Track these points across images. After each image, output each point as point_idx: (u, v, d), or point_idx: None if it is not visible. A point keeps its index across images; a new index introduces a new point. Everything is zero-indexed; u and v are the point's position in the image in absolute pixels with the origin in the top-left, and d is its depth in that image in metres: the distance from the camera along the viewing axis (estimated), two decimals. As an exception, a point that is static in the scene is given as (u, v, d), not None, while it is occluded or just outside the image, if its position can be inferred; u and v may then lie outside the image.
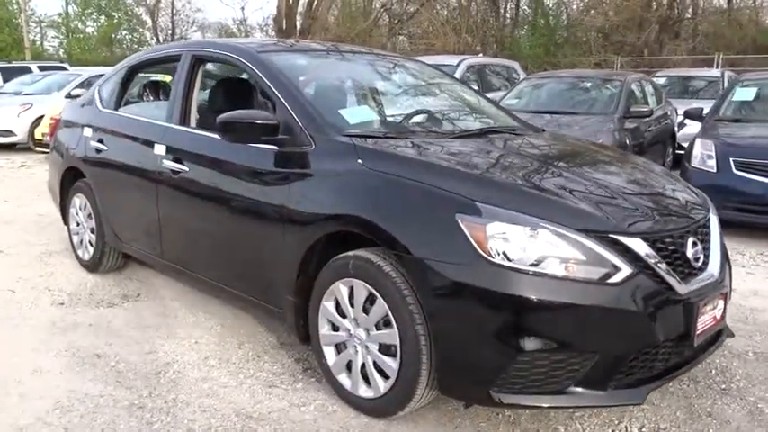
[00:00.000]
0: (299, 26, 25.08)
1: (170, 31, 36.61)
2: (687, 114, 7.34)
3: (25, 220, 5.98)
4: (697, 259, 2.44)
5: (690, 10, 22.01)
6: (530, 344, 2.11)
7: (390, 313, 2.34)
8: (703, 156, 5.97)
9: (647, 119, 7.59)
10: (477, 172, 2.43)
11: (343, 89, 3.33)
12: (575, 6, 26.45)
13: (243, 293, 3.11)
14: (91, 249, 4.34)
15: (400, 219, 2.31)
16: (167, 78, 5.27)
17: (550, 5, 26.33)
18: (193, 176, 3.23)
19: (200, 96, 3.62)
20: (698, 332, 2.37)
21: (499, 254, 2.12)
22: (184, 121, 3.48)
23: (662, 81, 12.19)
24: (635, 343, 2.22)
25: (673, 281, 2.27)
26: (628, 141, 6.97)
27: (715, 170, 5.75)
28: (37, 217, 6.08)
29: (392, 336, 2.35)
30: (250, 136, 2.81)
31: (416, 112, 3.24)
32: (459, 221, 2.18)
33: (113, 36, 36.10)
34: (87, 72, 12.63)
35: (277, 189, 2.77)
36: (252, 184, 2.90)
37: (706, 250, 2.53)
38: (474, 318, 2.16)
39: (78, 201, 4.41)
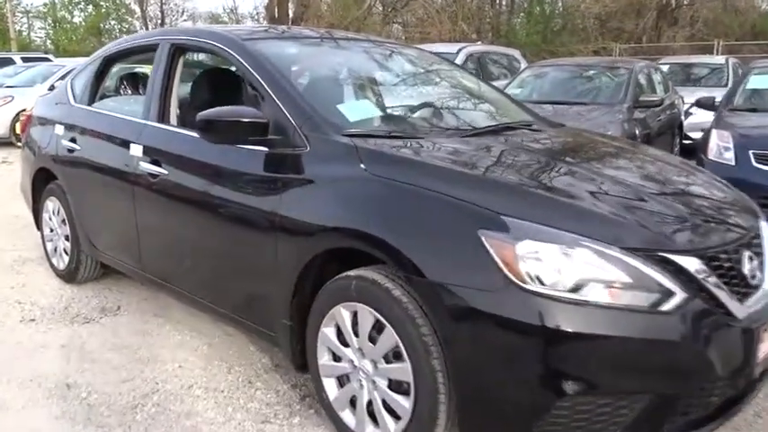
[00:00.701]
0: (291, 14, 24.59)
1: (159, 21, 35.97)
2: (699, 103, 7.00)
3: None
4: (753, 276, 2.11)
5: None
6: (569, 386, 1.77)
7: (401, 345, 1.99)
8: (720, 148, 5.64)
9: (656, 108, 7.26)
10: (500, 178, 2.08)
11: (340, 81, 2.96)
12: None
13: (230, 313, 2.77)
14: (66, 258, 3.97)
15: (411, 235, 1.96)
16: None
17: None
18: (173, 181, 2.88)
19: (181, 90, 3.26)
20: (758, 360, 2.04)
21: (532, 278, 1.77)
22: (163, 117, 3.11)
23: (664, 69, 11.85)
24: (692, 380, 1.88)
25: (732, 304, 1.93)
26: (637, 132, 6.64)
27: (733, 163, 5.42)
28: (12, 218, 5.69)
29: (404, 371, 2.00)
30: (235, 136, 2.45)
31: (423, 107, 2.87)
32: (483, 239, 1.83)
33: (102, 26, 35.44)
34: (72, 63, 12.19)
35: (267, 196, 2.42)
36: (239, 191, 2.55)
37: (761, 264, 2.20)
38: (502, 354, 1.82)
39: (51, 205, 4.04)
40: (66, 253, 3.96)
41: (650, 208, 2.04)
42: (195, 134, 2.76)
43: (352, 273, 2.14)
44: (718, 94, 9.78)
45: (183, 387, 2.74)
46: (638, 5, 21.05)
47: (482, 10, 26.03)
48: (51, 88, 10.20)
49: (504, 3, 26.53)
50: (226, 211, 2.61)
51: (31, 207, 4.33)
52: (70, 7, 35.22)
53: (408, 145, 2.33)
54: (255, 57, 2.67)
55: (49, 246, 4.17)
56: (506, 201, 1.92)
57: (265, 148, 2.46)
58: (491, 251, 1.81)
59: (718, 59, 12.09)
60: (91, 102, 3.74)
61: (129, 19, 36.52)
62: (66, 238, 3.93)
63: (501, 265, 1.79)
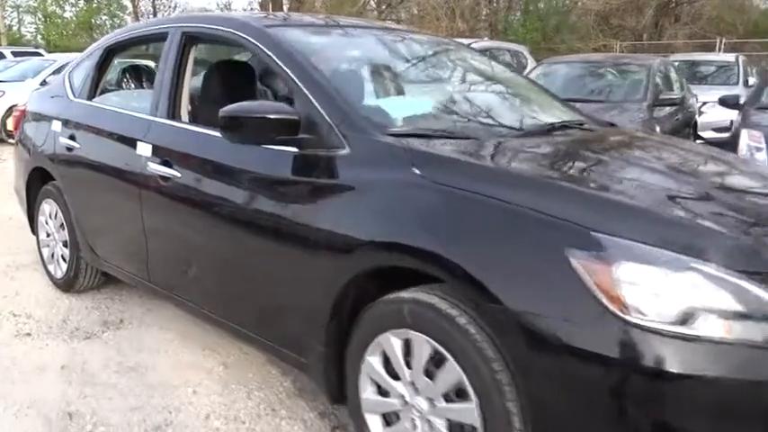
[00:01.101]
0: (285, 9, 24.25)
1: (151, 16, 35.46)
2: (722, 102, 6.74)
3: (-9, 225, 5.28)
4: None
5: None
6: (680, 438, 1.49)
7: (466, 381, 1.70)
8: (751, 148, 5.39)
9: (676, 107, 7.00)
10: (583, 186, 1.79)
11: (377, 74, 2.66)
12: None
13: (253, 334, 2.47)
14: (64, 265, 3.66)
15: (482, 253, 1.67)
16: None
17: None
18: (187, 184, 2.57)
19: (192, 83, 2.95)
20: None
21: (632, 307, 1.49)
22: (173, 114, 2.80)
23: (672, 66, 11.60)
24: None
25: None
26: (657, 131, 6.38)
27: (767, 164, 5.19)
28: (5, 220, 5.37)
29: (468, 412, 1.71)
30: (262, 135, 2.15)
31: (468, 104, 2.56)
32: (572, 260, 1.54)
33: (93, 21, 34.90)
34: (64, 58, 11.83)
35: (298, 204, 2.13)
36: (264, 197, 2.26)
37: None
38: (593, 397, 1.53)
39: (48, 207, 3.72)
40: (64, 260, 3.64)
41: (758, 220, 1.76)
42: (212, 132, 2.48)
43: (405, 295, 1.85)
44: (733, 93, 9.58)
45: (200, 417, 2.44)
46: (639, 3, 20.82)
47: (479, 6, 25.74)
48: (43, 83, 9.88)
49: (501, -1, 26.25)
50: (248, 219, 2.31)
51: (26, 209, 4.01)
52: (61, 2, 34.66)
53: (467, 147, 2.03)
54: (282, 46, 2.37)
55: (45, 251, 3.85)
56: (596, 214, 1.62)
57: (295, 149, 2.17)
58: (582, 274, 1.52)
59: (728, 57, 11.85)
60: (91, 96, 3.42)
61: (121, 14, 36.01)
62: (65, 244, 3.61)
63: (595, 290, 1.50)
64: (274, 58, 2.34)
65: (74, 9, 34.82)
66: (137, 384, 2.69)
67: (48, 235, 3.79)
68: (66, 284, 3.68)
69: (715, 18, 20.14)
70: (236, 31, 2.55)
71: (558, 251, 1.56)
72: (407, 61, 2.78)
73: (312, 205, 2.09)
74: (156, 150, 2.73)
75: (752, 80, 11.51)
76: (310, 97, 2.17)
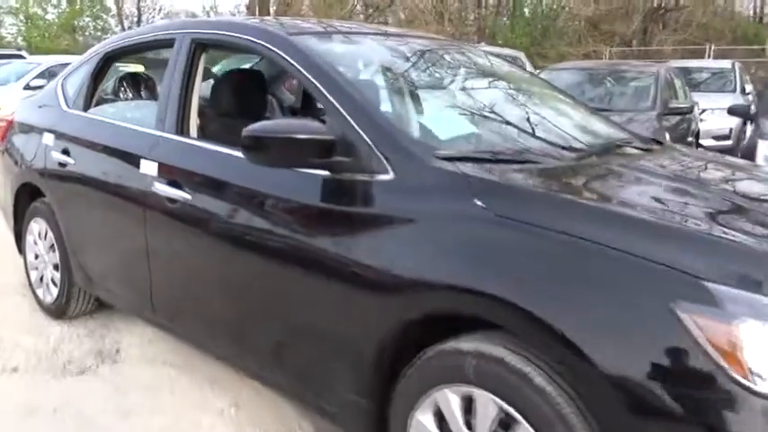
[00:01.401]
0: (272, 14, 23.98)
1: (136, 18, 34.96)
2: (732, 111, 6.60)
3: (-27, 241, 4.94)
4: None
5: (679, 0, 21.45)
6: None
7: (545, 451, 1.46)
8: (768, 158, 5.26)
9: (684, 116, 6.84)
10: (679, 223, 1.55)
11: (414, 88, 2.40)
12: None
13: (271, 376, 2.22)
14: (54, 290, 3.37)
15: (567, 302, 1.43)
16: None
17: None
18: (199, 207, 2.31)
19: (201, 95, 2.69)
20: None
21: (758, 374, 1.26)
22: (182, 129, 2.54)
23: (667, 73, 11.47)
24: None
25: None
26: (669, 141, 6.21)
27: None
28: (-12, 236, 5.04)
29: (547, 487, 1.47)
30: (291, 158, 1.90)
31: (514, 121, 2.31)
32: (681, 314, 1.31)
33: (76, 23, 34.32)
34: (48, 61, 11.46)
35: (331, 235, 1.88)
36: (289, 225, 2.01)
37: None
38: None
39: (37, 227, 3.43)
40: (55, 284, 3.35)
41: None
42: (229, 151, 2.23)
43: (466, 346, 1.60)
44: (729, 100, 9.46)
45: (215, 470, 2.18)
46: (627, 9, 20.81)
47: (467, 10, 25.65)
48: (27, 87, 9.53)
49: (490, 3, 26.19)
50: (269, 248, 2.07)
51: (13, 228, 3.72)
52: (43, 4, 34.06)
53: (533, 173, 1.79)
54: (310, 56, 2.12)
55: (34, 275, 3.55)
56: (708, 258, 1.39)
57: (326, 173, 1.92)
58: (695, 333, 1.28)
59: (725, 64, 11.75)
60: (87, 107, 3.14)
61: (105, 17, 35.46)
62: (56, 267, 3.33)
63: (713, 354, 1.27)
64: (301, 69, 2.09)
65: (56, 11, 34.24)
66: (140, 431, 2.42)
67: (36, 257, 3.49)
68: (57, 311, 3.39)
69: (704, 25, 20.16)
70: (257, 39, 2.29)
71: (661, 303, 1.32)
72: (442, 73, 2.53)
73: (348, 237, 1.84)
74: (164, 169, 2.47)
75: (748, 87, 11.44)
76: (345, 114, 1.92)
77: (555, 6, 25.33)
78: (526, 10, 24.55)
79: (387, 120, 1.91)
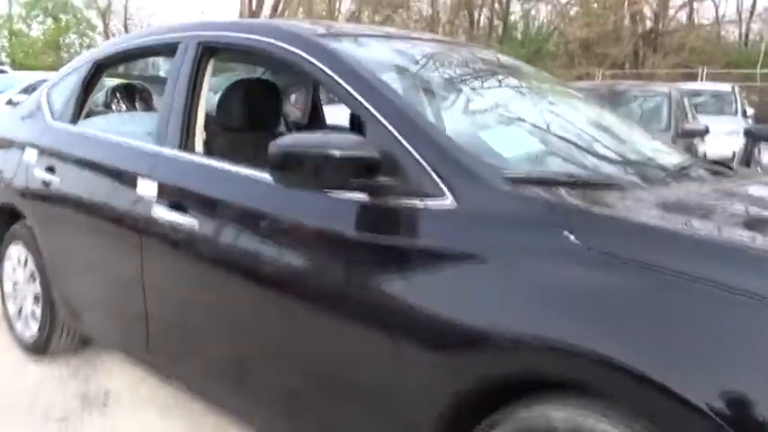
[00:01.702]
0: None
1: (123, 35, 34.66)
2: (750, 134, 6.37)
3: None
4: None
5: (671, 23, 21.52)
6: None
7: None
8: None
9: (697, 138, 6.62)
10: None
11: (468, 99, 2.08)
12: (543, 19, 26.00)
13: None
14: (34, 325, 3.00)
15: (698, 364, 1.11)
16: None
17: (517, 18, 25.87)
18: (208, 235, 1.98)
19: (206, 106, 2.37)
20: None
21: None
22: (186, 144, 2.21)
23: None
24: None
25: None
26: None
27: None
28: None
29: None
30: (329, 178, 1.57)
31: (578, 139, 1.97)
32: None
33: (61, 40, 33.94)
34: (32, 77, 11.11)
35: (374, 274, 1.55)
36: (323, 261, 1.69)
37: None
38: None
39: (15, 253, 3.07)
40: (35, 318, 2.99)
41: None
42: (242, 170, 1.91)
43: (556, 414, 1.26)
44: (731, 123, 9.30)
45: None
46: (619, 33, 20.85)
47: (458, 33, 25.63)
48: (9, 102, 9.18)
49: (481, 25, 26.22)
50: (294, 287, 1.74)
51: (-13, 253, 3.34)
52: (28, 20, 33.68)
53: (627, 200, 1.48)
54: (347, 62, 1.80)
55: (11, 306, 3.17)
56: None
57: (365, 196, 1.60)
58: None
59: (725, 87, 11.63)
60: (76, 119, 2.80)
61: (91, 34, 35.12)
62: (36, 299, 2.96)
63: None
64: (336, 77, 1.77)
65: (41, 27, 33.87)
66: (135, 498, 2.06)
67: (15, 286, 3.12)
68: (37, 347, 3.01)
69: (695, 48, 20.21)
70: (279, 41, 1.97)
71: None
72: (493, 83, 2.22)
73: (395, 276, 1.51)
74: (165, 190, 2.13)
75: (749, 110, 11.32)
76: (391, 128, 1.61)
77: (545, 30, 25.39)
78: (518, 34, 24.63)
79: (441, 134, 1.60)
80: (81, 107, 2.83)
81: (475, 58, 2.39)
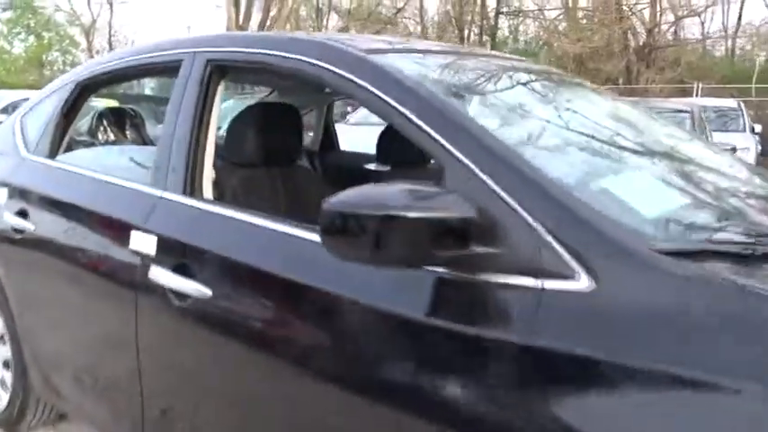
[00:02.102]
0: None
1: (106, 53, 34.11)
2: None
3: None
4: None
5: (662, 39, 21.35)
6: None
7: None
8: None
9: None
10: None
11: (556, 131, 1.56)
12: (531, 34, 25.87)
13: None
14: (4, 396, 2.51)
15: None
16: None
17: (506, 34, 25.75)
18: (225, 309, 1.53)
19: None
20: None
21: None
22: (192, 188, 1.75)
23: (670, 111, 10.98)
24: None
25: None
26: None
27: None
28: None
29: None
30: (409, 251, 1.13)
31: (706, 181, 1.52)
32: None
33: (44, 57, 33.34)
34: (13, 95, 10.60)
35: (468, 383, 1.11)
36: (382, 354, 1.25)
37: None
38: None
39: (-18, 310, 2.59)
40: (4, 388, 2.50)
41: None
42: (270, 224, 1.47)
43: None
44: (739, 139, 8.96)
45: None
46: (611, 48, 20.66)
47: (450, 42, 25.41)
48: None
49: (471, 39, 26.02)
50: (345, 380, 1.29)
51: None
52: (9, 37, 33.07)
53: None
54: (411, 86, 1.36)
55: (-22, 372, 2.69)
56: None
57: (448, 271, 1.17)
58: None
59: (730, 102, 11.34)
60: (54, 152, 2.32)
61: (74, 51, 34.55)
62: (6, 365, 2.48)
63: None
64: (400, 107, 1.32)
65: (23, 45, 33.29)
66: None
67: (-18, 348, 2.63)
68: (8, 423, 2.52)
69: (691, 63, 20.03)
70: (311, 58, 1.53)
71: None
72: (571, 108, 1.76)
73: (503, 387, 1.07)
74: (166, 247, 1.68)
75: (757, 127, 11.03)
76: (486, 179, 1.17)
77: (534, 46, 25.18)
78: (507, 50, 24.47)
79: (559, 184, 1.16)
80: (61, 138, 2.36)
81: (541, 74, 1.96)
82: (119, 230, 1.82)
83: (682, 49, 20.56)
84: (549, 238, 1.09)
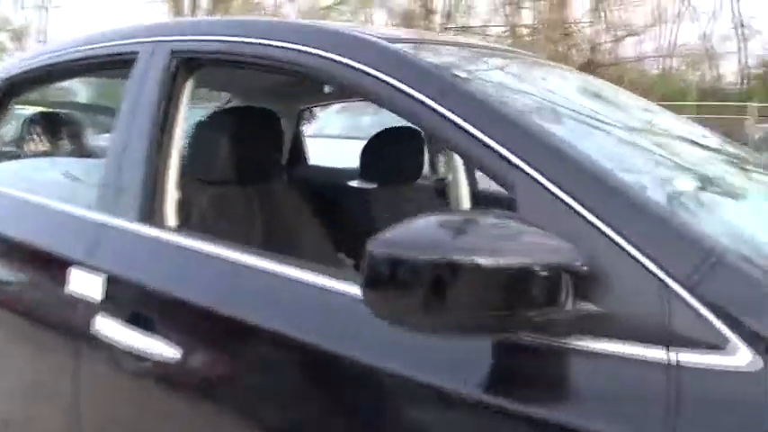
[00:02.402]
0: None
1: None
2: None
3: None
4: None
5: (607, 57, 21.79)
6: None
7: None
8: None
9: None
10: None
11: (646, 153, 1.22)
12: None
13: None
14: None
15: None
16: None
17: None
18: (202, 378, 1.16)
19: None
20: None
21: None
22: (151, 213, 1.36)
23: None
24: None
25: None
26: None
27: None
28: None
29: None
30: (492, 312, 0.79)
31: None
32: None
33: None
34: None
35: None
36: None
37: None
38: None
39: None
40: None
41: None
42: (258, 261, 1.12)
43: None
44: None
45: None
46: (562, 63, 20.98)
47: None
48: None
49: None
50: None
51: None
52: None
53: None
54: (459, 87, 1.03)
55: None
56: None
57: (532, 338, 0.83)
58: None
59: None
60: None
61: (4, 57, 33.06)
62: None
63: None
64: (449, 115, 0.97)
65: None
66: None
67: None
68: None
69: (634, 81, 20.47)
70: (323, 50, 1.17)
71: None
72: (639, 121, 1.45)
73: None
74: (117, 291, 1.28)
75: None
76: (589, 217, 0.84)
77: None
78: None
79: (688, 224, 0.84)
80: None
81: (589, 83, 1.66)
82: (52, 268, 1.42)
83: (622, 66, 20.95)
84: (688, 296, 0.77)
